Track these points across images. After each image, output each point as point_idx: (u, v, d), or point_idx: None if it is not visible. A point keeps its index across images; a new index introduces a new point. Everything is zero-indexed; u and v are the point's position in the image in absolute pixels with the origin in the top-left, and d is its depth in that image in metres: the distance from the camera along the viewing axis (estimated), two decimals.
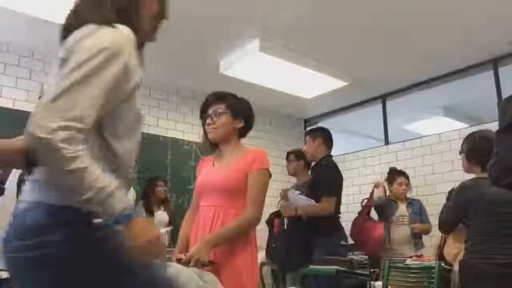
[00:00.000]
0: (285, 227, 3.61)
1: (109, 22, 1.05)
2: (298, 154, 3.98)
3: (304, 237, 3.34)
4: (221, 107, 1.96)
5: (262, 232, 2.89)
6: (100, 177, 0.95)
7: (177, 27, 3.91)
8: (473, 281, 2.20)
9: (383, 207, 4.08)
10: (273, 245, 3.80)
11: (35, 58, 4.39)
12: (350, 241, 5.14)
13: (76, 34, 1.04)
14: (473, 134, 2.45)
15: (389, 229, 4.00)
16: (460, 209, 2.34)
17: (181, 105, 5.29)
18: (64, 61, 1.02)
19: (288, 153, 4.09)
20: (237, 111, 1.98)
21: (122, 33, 1.05)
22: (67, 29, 1.10)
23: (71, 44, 1.03)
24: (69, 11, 1.16)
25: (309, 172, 3.86)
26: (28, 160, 1.05)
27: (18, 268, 1.00)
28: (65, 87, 0.94)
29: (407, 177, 4.22)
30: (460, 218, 2.37)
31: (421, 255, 3.56)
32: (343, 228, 3.51)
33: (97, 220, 0.98)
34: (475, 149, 2.35)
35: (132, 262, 1.00)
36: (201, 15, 3.69)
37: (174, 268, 1.45)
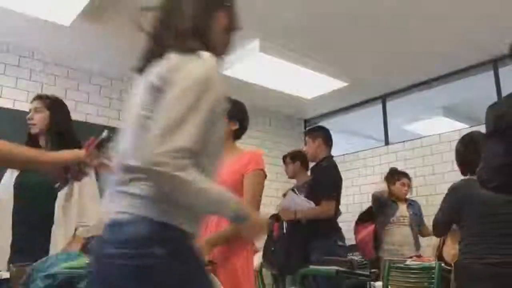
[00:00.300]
0: (285, 231, 3.60)
1: (193, 50, 1.13)
2: (293, 156, 3.98)
3: (304, 241, 3.33)
4: None
5: None
6: (215, 191, 1.10)
7: None
8: (468, 282, 2.22)
9: (383, 204, 4.06)
10: (272, 249, 3.81)
11: (35, 58, 4.40)
12: (350, 242, 5.15)
13: (168, 64, 1.12)
14: (463, 137, 2.49)
15: (383, 230, 3.99)
16: (452, 210, 2.36)
17: None
18: (157, 89, 1.10)
19: (284, 157, 4.09)
20: (232, 113, 1.98)
21: (210, 62, 1.13)
22: (151, 55, 1.20)
23: (165, 74, 1.10)
24: (147, 35, 1.26)
25: (308, 173, 3.85)
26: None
27: (109, 273, 1.05)
28: (171, 119, 1.03)
29: (409, 178, 4.21)
30: (453, 219, 2.39)
31: (420, 255, 3.57)
32: (341, 229, 3.51)
33: (192, 239, 1.11)
34: (463, 153, 2.41)
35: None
36: None
37: None
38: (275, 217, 3.66)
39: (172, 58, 1.12)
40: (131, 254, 1.02)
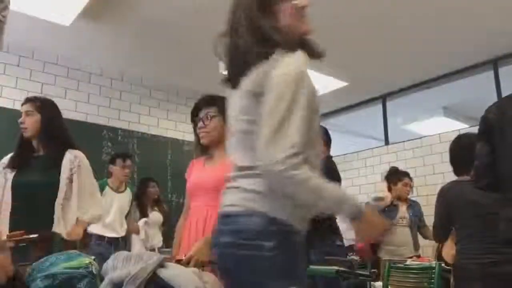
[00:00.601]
0: None
1: (278, 50, 1.18)
2: None
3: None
4: (212, 110, 1.95)
5: None
6: (331, 188, 1.11)
7: (177, 27, 3.92)
8: (462, 282, 2.25)
9: (382, 212, 4.07)
10: None
11: (35, 58, 4.40)
12: (350, 242, 5.14)
13: (261, 69, 1.17)
14: (456, 138, 2.53)
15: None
16: (442, 215, 2.39)
17: (181, 105, 5.30)
18: (255, 94, 1.16)
19: None
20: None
21: (300, 57, 1.18)
22: (239, 67, 1.25)
23: (261, 79, 1.15)
24: (232, 49, 1.29)
25: None
26: None
27: (225, 260, 1.17)
28: (275, 118, 1.08)
29: (411, 178, 4.19)
30: (446, 222, 2.41)
31: (419, 255, 3.57)
32: (339, 229, 3.52)
33: (298, 235, 1.15)
34: (454, 153, 2.49)
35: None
36: (201, 15, 3.69)
37: (173, 269, 1.45)
38: None
39: (264, 63, 1.17)
40: (241, 244, 1.11)
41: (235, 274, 1.15)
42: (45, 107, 2.33)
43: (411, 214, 4.03)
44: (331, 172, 3.48)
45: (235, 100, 1.26)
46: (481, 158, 1.83)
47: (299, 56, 1.19)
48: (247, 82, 1.20)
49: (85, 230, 2.44)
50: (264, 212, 1.12)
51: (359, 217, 1.13)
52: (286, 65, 1.15)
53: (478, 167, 1.86)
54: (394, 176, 4.20)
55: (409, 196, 4.17)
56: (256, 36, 1.22)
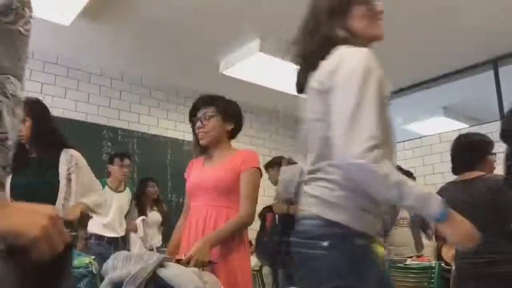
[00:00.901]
0: (277, 222, 3.64)
1: (344, 44, 1.20)
2: (272, 163, 3.96)
3: None
4: (210, 110, 1.95)
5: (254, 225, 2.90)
6: (413, 185, 1.08)
7: (177, 27, 3.92)
8: (458, 281, 2.28)
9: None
10: (264, 239, 3.88)
11: (35, 58, 4.39)
12: None
13: (326, 66, 1.19)
14: (457, 137, 2.55)
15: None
16: None
17: (181, 105, 5.30)
18: (323, 92, 1.17)
19: (266, 167, 4.04)
20: (227, 113, 1.98)
21: (363, 50, 1.17)
22: (306, 68, 1.30)
23: (327, 76, 1.17)
24: (303, 53, 1.33)
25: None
26: None
27: (295, 257, 1.25)
28: (351, 114, 1.08)
29: (414, 177, 4.15)
30: None
31: (420, 256, 3.56)
32: None
33: (358, 238, 1.16)
34: (452, 156, 2.52)
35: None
36: (201, 15, 3.69)
37: (173, 269, 1.45)
38: (269, 208, 3.66)
39: (328, 60, 1.19)
40: (302, 243, 1.20)
41: (299, 271, 1.23)
42: (34, 111, 2.28)
43: (412, 214, 4.01)
44: None
45: (307, 102, 1.29)
46: None
47: (364, 50, 1.17)
48: (315, 81, 1.23)
49: (86, 214, 2.44)
50: (326, 217, 1.16)
51: (445, 219, 1.08)
52: (352, 57, 1.15)
53: (510, 167, 1.86)
54: None
55: None
56: (327, 39, 1.24)
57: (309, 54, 1.28)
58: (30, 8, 0.86)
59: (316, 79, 1.22)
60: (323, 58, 1.21)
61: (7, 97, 0.81)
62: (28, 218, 0.65)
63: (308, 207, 1.23)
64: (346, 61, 1.15)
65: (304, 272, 1.21)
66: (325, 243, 1.14)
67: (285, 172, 3.48)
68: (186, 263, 1.63)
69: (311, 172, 1.23)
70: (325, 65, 1.19)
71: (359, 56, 1.15)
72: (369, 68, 1.13)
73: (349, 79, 1.11)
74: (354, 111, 1.07)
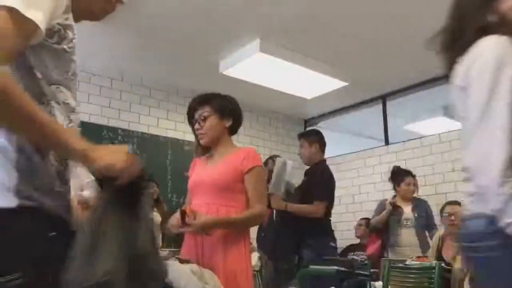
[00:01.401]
0: (274, 218, 3.68)
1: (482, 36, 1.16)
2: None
3: (292, 232, 3.39)
4: (206, 110, 1.96)
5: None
6: None
7: (177, 27, 3.92)
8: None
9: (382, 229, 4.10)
10: (262, 234, 3.92)
11: None
12: (350, 241, 5.14)
13: (465, 61, 1.18)
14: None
15: (390, 235, 4.00)
16: None
17: (181, 105, 5.29)
18: (464, 88, 1.17)
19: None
20: (223, 110, 1.98)
21: (498, 40, 1.13)
22: (450, 64, 1.26)
23: (465, 72, 1.16)
24: (451, 44, 1.30)
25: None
26: None
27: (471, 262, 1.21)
28: (479, 113, 1.09)
29: (414, 176, 4.12)
30: None
31: (421, 256, 3.55)
32: (333, 230, 3.54)
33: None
34: None
35: None
36: (201, 15, 3.69)
37: (173, 269, 1.45)
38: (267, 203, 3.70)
39: (468, 54, 1.17)
40: (473, 247, 1.14)
41: (481, 277, 1.18)
42: None
43: (416, 215, 3.97)
44: (327, 176, 3.51)
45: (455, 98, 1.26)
46: None
47: (499, 39, 1.14)
48: (456, 76, 1.22)
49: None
50: (484, 213, 1.10)
51: None
52: (486, 49, 1.13)
53: None
54: (397, 176, 4.13)
55: (414, 195, 4.08)
56: (475, 30, 1.21)
57: (457, 43, 1.26)
58: (72, 30, 1.06)
59: (457, 74, 1.21)
60: (469, 47, 1.18)
61: (59, 104, 1.01)
62: (114, 156, 0.95)
63: (470, 206, 1.18)
64: (482, 51, 1.13)
65: (477, 278, 1.21)
66: (493, 243, 1.10)
67: (276, 168, 3.50)
68: (193, 218, 1.70)
69: (465, 169, 1.19)
70: (465, 60, 1.18)
71: (494, 44, 1.13)
72: (505, 57, 1.10)
73: (483, 73, 1.10)
74: (485, 106, 1.07)
